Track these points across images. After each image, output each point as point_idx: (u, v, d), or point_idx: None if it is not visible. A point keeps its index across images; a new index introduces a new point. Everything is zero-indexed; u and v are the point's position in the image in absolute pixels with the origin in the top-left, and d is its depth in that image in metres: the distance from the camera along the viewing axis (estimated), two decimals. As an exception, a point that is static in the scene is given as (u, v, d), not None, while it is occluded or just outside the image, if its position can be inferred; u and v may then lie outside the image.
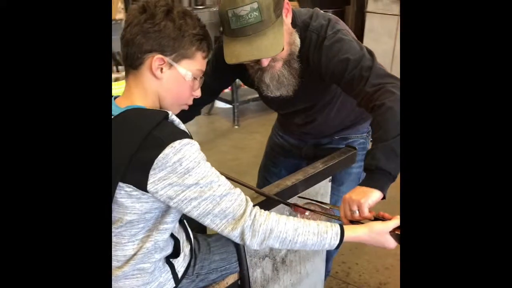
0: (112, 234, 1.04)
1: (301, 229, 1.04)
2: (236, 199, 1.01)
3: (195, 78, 1.09)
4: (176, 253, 1.16)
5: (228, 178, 1.06)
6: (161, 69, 1.04)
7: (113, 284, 1.10)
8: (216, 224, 1.01)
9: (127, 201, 0.99)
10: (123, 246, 1.06)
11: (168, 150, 0.94)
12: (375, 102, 1.19)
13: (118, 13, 3.93)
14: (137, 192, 0.97)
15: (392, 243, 1.07)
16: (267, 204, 1.25)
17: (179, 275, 1.17)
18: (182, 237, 1.18)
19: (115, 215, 1.02)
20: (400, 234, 1.05)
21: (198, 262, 1.23)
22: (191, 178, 0.96)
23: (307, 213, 1.24)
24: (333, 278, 2.26)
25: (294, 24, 1.35)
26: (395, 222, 1.07)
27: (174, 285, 1.16)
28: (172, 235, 1.12)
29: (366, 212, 1.13)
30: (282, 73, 1.34)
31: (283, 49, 1.24)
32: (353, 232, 1.07)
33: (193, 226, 1.28)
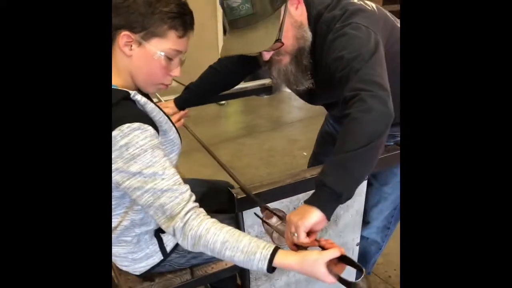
0: None
1: (230, 243, 0.94)
2: (176, 197, 0.96)
3: (169, 58, 1.05)
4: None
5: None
6: (130, 46, 1.02)
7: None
8: (158, 217, 0.98)
9: None
10: None
11: (115, 133, 0.92)
12: (346, 110, 1.03)
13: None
14: None
15: (327, 277, 0.90)
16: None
17: (168, 249, 1.23)
18: None
19: None
20: (338, 275, 0.90)
21: (190, 240, 1.26)
22: (136, 166, 0.94)
23: (274, 219, 1.13)
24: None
25: (309, 15, 1.23)
26: (333, 252, 0.91)
27: (162, 258, 1.23)
28: None
29: (301, 237, 0.98)
30: (288, 69, 1.25)
31: (277, 41, 1.13)
32: (284, 259, 0.92)
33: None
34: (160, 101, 1.82)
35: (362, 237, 1.65)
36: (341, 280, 0.90)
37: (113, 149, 0.93)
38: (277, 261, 0.92)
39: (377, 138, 0.99)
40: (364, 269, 0.90)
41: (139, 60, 1.03)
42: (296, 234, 1.00)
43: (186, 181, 1.47)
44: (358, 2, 1.23)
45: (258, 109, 3.97)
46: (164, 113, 1.11)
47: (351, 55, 1.08)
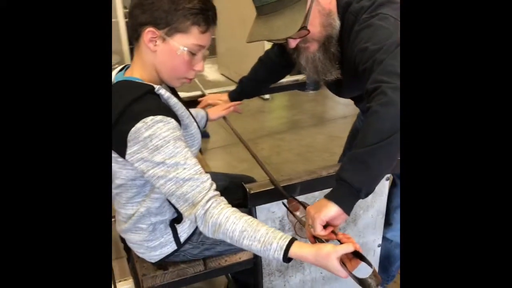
0: (113, 194, 1.18)
1: (248, 233, 0.97)
2: (198, 186, 1.00)
3: (192, 53, 1.08)
4: (179, 219, 1.25)
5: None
6: (155, 42, 1.06)
7: (124, 235, 1.27)
8: (180, 205, 1.02)
9: (115, 166, 1.09)
10: (123, 206, 1.19)
11: (140, 125, 0.97)
12: (369, 103, 1.01)
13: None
14: (121, 159, 1.05)
15: (340, 271, 0.92)
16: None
17: (181, 239, 1.26)
18: None
19: None
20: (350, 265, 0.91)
21: (204, 231, 1.29)
22: (159, 156, 0.98)
23: (298, 212, 1.15)
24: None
25: (338, 5, 1.22)
26: (346, 247, 0.92)
27: (176, 248, 1.26)
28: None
29: (317, 229, 1.00)
30: (316, 57, 1.25)
31: (302, 28, 1.13)
32: (299, 250, 0.95)
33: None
34: (203, 94, 1.87)
35: (385, 239, 1.62)
36: (352, 275, 0.91)
37: (138, 140, 0.98)
38: (292, 251, 0.95)
39: (396, 133, 0.95)
40: (373, 266, 0.91)
41: (163, 55, 1.07)
42: (312, 227, 1.01)
43: (210, 175, 1.52)
44: None
45: (302, 104, 3.95)
46: (187, 108, 1.16)
47: (375, 46, 1.07)
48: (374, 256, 1.55)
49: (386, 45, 1.04)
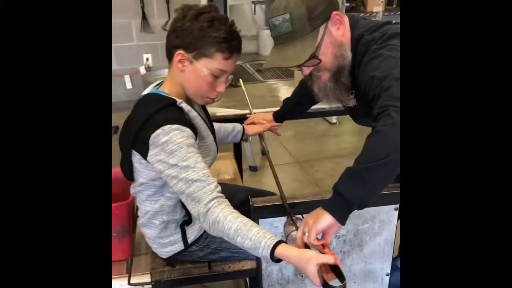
0: (136, 191, 1.34)
1: (242, 231, 1.07)
2: (204, 187, 1.12)
3: (215, 76, 1.23)
4: (188, 221, 1.38)
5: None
6: (184, 63, 1.23)
7: (142, 229, 1.43)
8: (188, 204, 1.15)
9: (139, 166, 1.26)
10: (143, 203, 1.35)
11: (159, 131, 1.14)
12: (375, 125, 1.06)
13: (377, 6, 4.01)
14: (144, 161, 1.22)
15: (315, 278, 0.98)
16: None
17: (189, 240, 1.39)
18: None
19: (134, 175, 1.31)
20: (324, 280, 0.97)
21: (210, 236, 1.40)
22: (174, 159, 1.13)
23: (293, 227, 1.21)
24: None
25: (352, 37, 1.29)
26: (328, 258, 0.99)
27: (183, 247, 1.40)
28: (184, 205, 1.32)
29: (312, 237, 1.06)
30: (327, 85, 1.33)
31: (314, 58, 1.23)
32: (285, 251, 1.03)
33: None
34: (250, 113, 2.01)
35: (398, 269, 1.61)
36: (326, 284, 0.98)
37: (157, 144, 1.15)
38: (278, 251, 1.04)
39: (397, 152, 1.00)
40: (345, 279, 0.98)
41: (189, 75, 1.24)
42: (307, 234, 1.09)
43: (233, 187, 1.65)
44: (398, 26, 1.27)
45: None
46: (205, 122, 1.32)
47: (382, 74, 1.13)
48: (382, 284, 1.55)
49: (393, 73, 1.11)
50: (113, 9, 3.88)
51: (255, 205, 1.31)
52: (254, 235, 1.06)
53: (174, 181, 1.15)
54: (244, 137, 1.81)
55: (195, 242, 1.40)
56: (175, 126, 1.15)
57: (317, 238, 1.10)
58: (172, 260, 1.43)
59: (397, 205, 1.45)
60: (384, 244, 1.48)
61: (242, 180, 2.03)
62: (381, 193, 1.34)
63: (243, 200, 1.63)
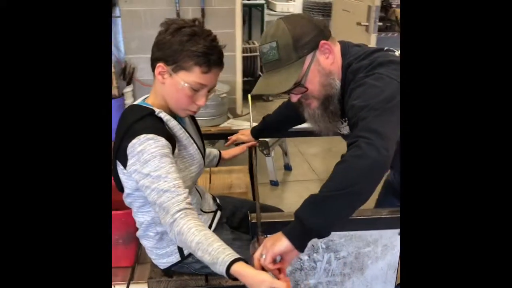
0: (127, 202, 1.36)
1: (203, 245, 1.06)
2: (173, 197, 1.12)
3: (194, 90, 1.23)
4: None
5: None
6: (164, 75, 1.24)
7: (140, 240, 1.44)
8: (159, 214, 1.15)
9: (122, 177, 1.28)
10: (136, 214, 1.37)
11: (135, 140, 1.16)
12: (343, 155, 1.06)
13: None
14: (125, 171, 1.23)
15: None
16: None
17: (185, 252, 1.40)
18: None
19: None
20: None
21: (207, 250, 1.40)
22: (147, 168, 1.14)
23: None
24: None
25: (342, 65, 1.28)
26: (281, 284, 0.99)
27: (180, 259, 1.40)
28: None
29: (267, 260, 1.05)
30: (316, 113, 1.32)
31: (299, 86, 1.23)
32: (240, 269, 1.02)
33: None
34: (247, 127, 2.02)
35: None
36: None
37: (133, 153, 1.16)
38: (234, 269, 1.02)
39: (360, 184, 1.00)
40: None
41: (169, 87, 1.25)
42: (264, 256, 1.08)
43: (239, 200, 1.64)
44: (393, 53, 1.24)
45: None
46: (186, 131, 1.32)
47: (362, 103, 1.12)
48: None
49: (372, 103, 1.09)
50: (152, 21, 3.98)
51: (253, 221, 1.31)
52: (214, 250, 1.05)
53: (148, 191, 1.15)
54: (221, 162, 1.82)
55: (191, 254, 1.40)
56: (150, 135, 1.17)
57: (274, 262, 1.08)
58: (170, 271, 1.43)
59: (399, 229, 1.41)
60: (387, 269, 1.44)
61: (254, 194, 2.02)
62: (383, 216, 1.34)
63: (246, 215, 1.62)
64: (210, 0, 4.23)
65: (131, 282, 1.48)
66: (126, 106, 1.37)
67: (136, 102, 1.35)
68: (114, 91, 3.85)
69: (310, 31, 1.23)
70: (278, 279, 1.04)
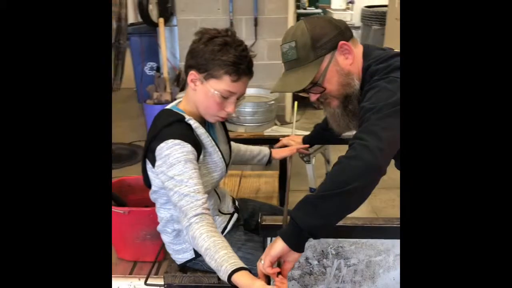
0: (153, 198, 1.44)
1: (210, 251, 1.10)
2: (192, 202, 1.17)
3: (224, 97, 1.30)
4: None
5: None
6: (196, 83, 1.31)
7: (161, 235, 1.52)
8: (179, 215, 1.21)
9: (151, 174, 1.37)
10: (159, 209, 1.45)
11: (163, 144, 1.24)
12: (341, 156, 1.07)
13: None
14: (154, 169, 1.31)
15: None
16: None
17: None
18: None
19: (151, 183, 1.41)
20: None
21: (219, 250, 1.45)
22: (171, 172, 1.21)
23: None
24: None
25: (363, 66, 1.29)
26: None
27: (194, 256, 1.46)
28: None
29: (265, 264, 1.07)
30: (336, 112, 1.34)
31: (316, 85, 1.25)
32: (239, 278, 1.04)
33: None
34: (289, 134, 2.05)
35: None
36: None
37: (161, 156, 1.25)
38: (234, 278, 1.05)
39: (352, 185, 1.01)
40: None
41: (200, 94, 1.33)
42: (263, 262, 1.10)
43: (260, 204, 1.69)
44: None
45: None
46: (213, 138, 1.39)
47: (370, 106, 1.13)
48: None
49: (379, 106, 1.10)
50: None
51: (263, 223, 1.34)
52: (220, 258, 1.08)
53: (171, 193, 1.22)
54: (271, 160, 1.84)
55: (204, 252, 1.46)
56: (177, 141, 1.24)
57: (278, 266, 1.10)
58: (185, 267, 1.50)
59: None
60: (399, 280, 1.41)
61: (280, 200, 2.05)
62: (395, 225, 1.32)
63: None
64: (263, 9, 4.33)
65: (150, 276, 1.55)
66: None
67: (168, 106, 1.43)
68: (167, 97, 4.03)
69: (330, 32, 1.26)
70: (277, 282, 1.06)
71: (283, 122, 4.44)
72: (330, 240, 1.37)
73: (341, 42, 1.25)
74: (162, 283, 1.51)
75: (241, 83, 1.30)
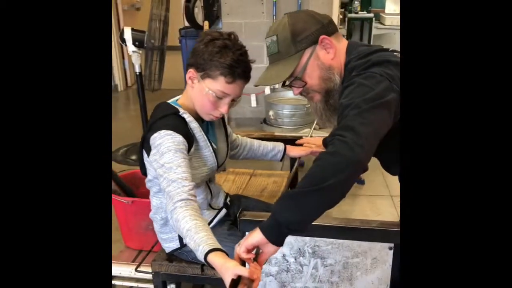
0: (148, 186, 1.53)
1: (191, 232, 1.15)
2: (179, 188, 1.24)
3: (218, 97, 1.37)
4: None
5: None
6: (193, 80, 1.39)
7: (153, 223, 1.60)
8: (166, 201, 1.27)
9: (146, 164, 1.46)
10: (152, 197, 1.53)
11: (156, 134, 1.33)
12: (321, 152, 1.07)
13: None
14: (149, 159, 1.39)
15: (227, 284, 1.03)
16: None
17: (184, 240, 1.51)
18: None
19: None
20: None
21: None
22: (162, 160, 1.29)
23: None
24: None
25: (345, 62, 1.29)
26: (244, 270, 1.02)
27: (179, 246, 1.52)
28: None
29: (241, 249, 1.09)
30: (318, 107, 1.35)
31: (296, 79, 1.29)
32: (213, 258, 1.07)
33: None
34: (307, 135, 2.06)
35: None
36: None
37: (155, 145, 1.34)
38: (209, 258, 1.09)
39: (331, 181, 1.01)
40: None
41: (197, 92, 1.41)
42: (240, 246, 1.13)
43: (254, 202, 1.74)
44: (392, 53, 1.25)
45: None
46: (204, 134, 1.46)
47: (347, 102, 1.13)
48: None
49: (356, 102, 1.09)
50: (251, 33, 4.16)
51: (241, 218, 1.37)
52: (199, 238, 1.13)
53: (161, 179, 1.30)
54: (285, 156, 1.85)
55: (187, 243, 1.51)
56: (169, 131, 1.32)
57: (256, 255, 1.12)
58: (172, 256, 1.56)
59: (392, 244, 1.36)
60: (378, 284, 1.39)
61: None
62: (371, 228, 1.31)
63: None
64: (307, 12, 4.33)
65: (142, 264, 1.63)
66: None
67: (169, 101, 1.51)
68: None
69: (311, 26, 1.28)
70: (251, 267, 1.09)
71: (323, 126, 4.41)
72: (307, 239, 1.37)
73: (322, 36, 1.26)
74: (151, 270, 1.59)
75: (236, 86, 1.37)
